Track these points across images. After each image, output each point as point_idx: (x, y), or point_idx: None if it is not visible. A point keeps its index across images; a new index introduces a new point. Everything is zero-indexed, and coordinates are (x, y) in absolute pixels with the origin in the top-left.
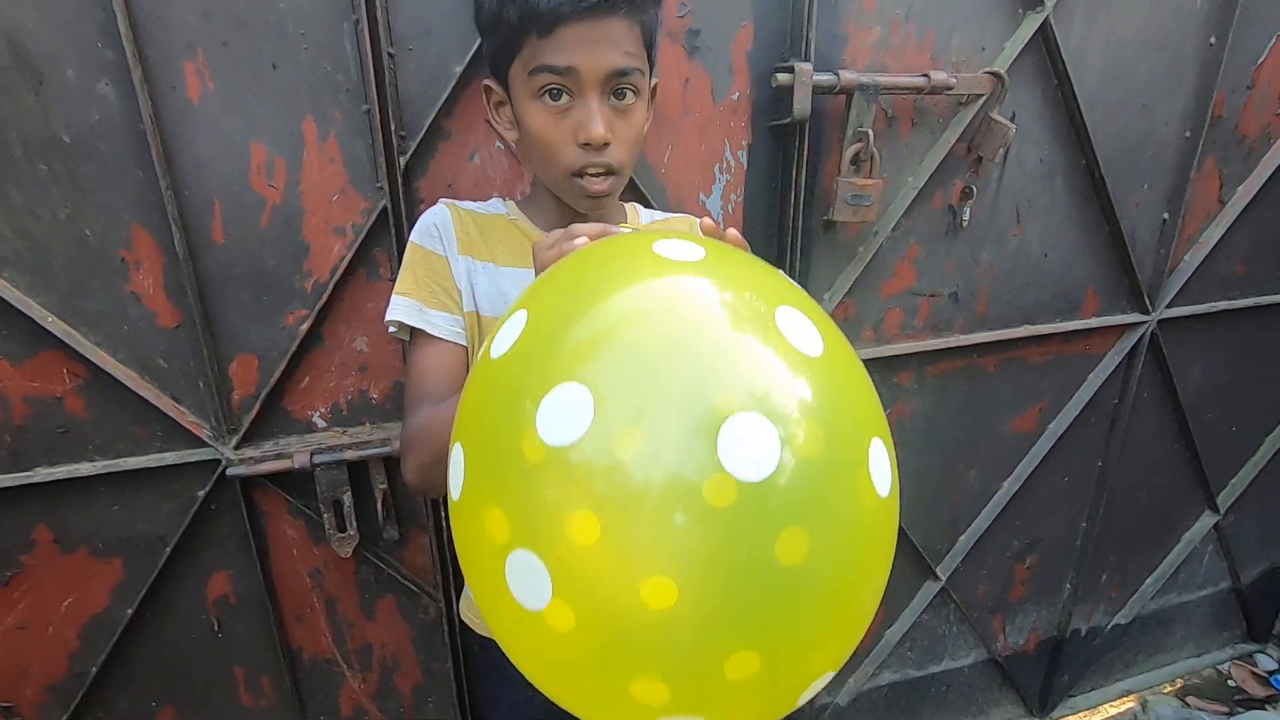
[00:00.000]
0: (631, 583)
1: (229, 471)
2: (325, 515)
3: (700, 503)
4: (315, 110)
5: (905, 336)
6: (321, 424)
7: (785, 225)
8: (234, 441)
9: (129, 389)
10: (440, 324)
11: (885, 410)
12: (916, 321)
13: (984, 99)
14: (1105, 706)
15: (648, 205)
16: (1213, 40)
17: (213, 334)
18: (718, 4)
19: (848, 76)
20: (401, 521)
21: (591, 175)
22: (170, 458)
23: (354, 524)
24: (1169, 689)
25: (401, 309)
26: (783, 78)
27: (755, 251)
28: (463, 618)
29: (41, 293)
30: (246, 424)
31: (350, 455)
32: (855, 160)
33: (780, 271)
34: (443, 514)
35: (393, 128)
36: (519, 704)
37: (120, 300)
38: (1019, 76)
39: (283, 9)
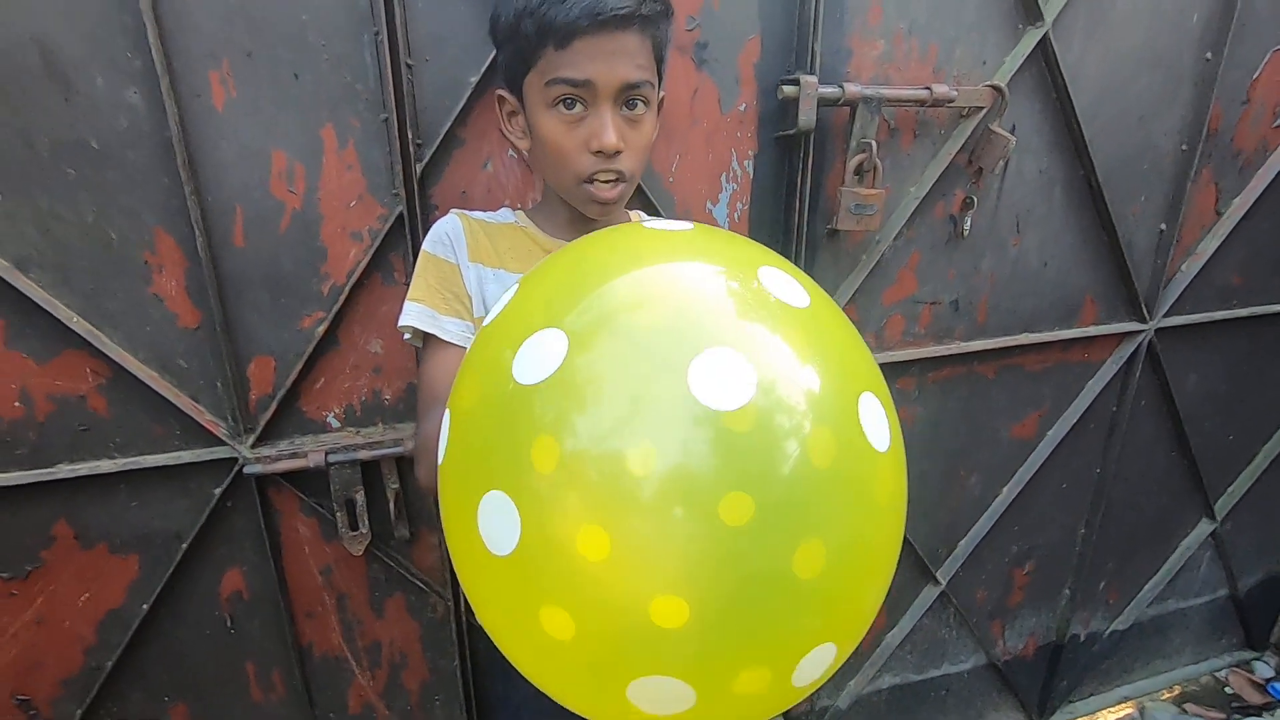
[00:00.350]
0: (574, 527)
1: (246, 470)
2: (338, 514)
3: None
4: (335, 118)
5: (907, 343)
6: (335, 424)
7: (790, 233)
8: (250, 440)
9: (150, 388)
10: (452, 329)
11: None
12: (918, 328)
13: (985, 111)
14: (1104, 712)
15: (656, 214)
16: (1209, 56)
17: (231, 335)
18: (726, 18)
19: (852, 89)
20: (412, 521)
21: (601, 182)
22: (188, 456)
23: (366, 522)
24: (1167, 696)
25: (414, 314)
26: (788, 90)
27: None
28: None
29: (66, 293)
30: (263, 423)
31: (363, 455)
32: (859, 170)
33: (768, 248)
34: None
35: (409, 136)
36: (525, 702)
37: (142, 301)
38: (1019, 90)
39: (305, 20)
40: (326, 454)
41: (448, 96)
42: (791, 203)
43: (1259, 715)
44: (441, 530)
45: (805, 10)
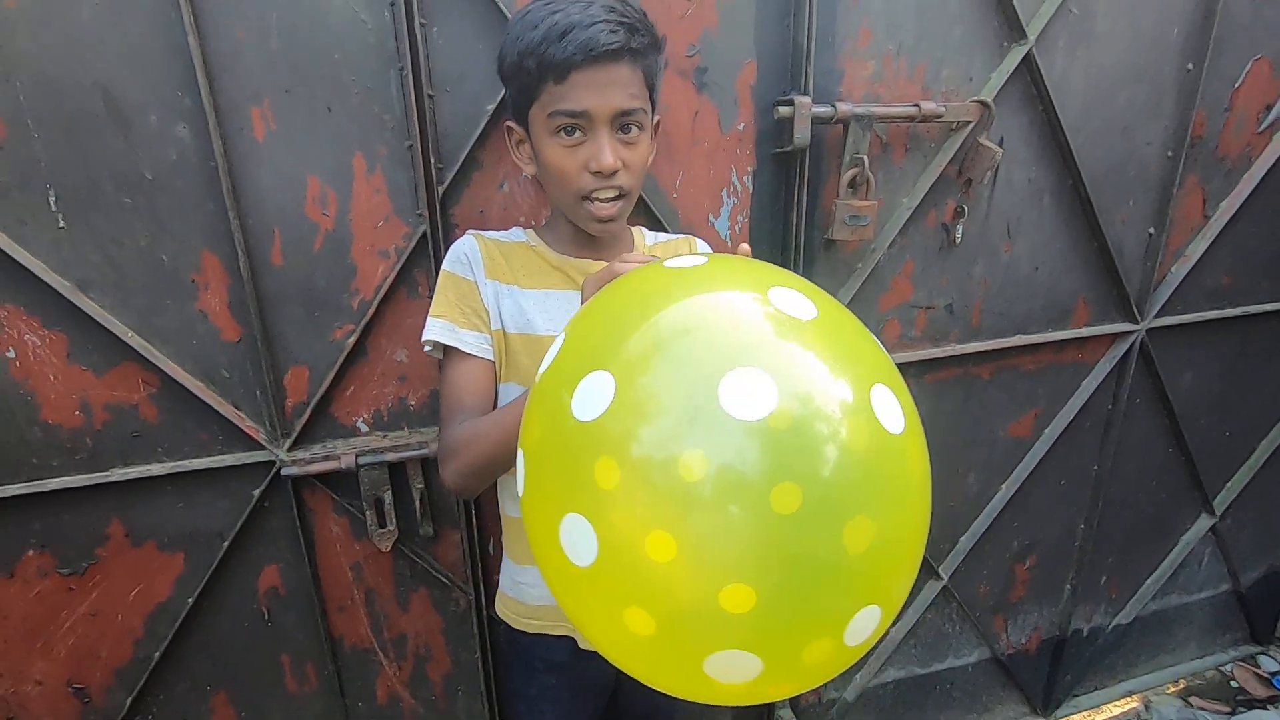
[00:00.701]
0: (641, 534)
1: (283, 472)
2: (367, 512)
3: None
4: (364, 147)
5: (904, 346)
6: (364, 429)
7: (788, 244)
8: (287, 445)
9: (196, 397)
10: (471, 342)
11: None
12: (914, 332)
13: (972, 125)
14: (1109, 706)
15: (661, 228)
16: (1190, 67)
17: (270, 347)
18: (724, 44)
19: (844, 108)
20: (436, 519)
21: (600, 200)
22: (230, 459)
23: (393, 520)
24: (1172, 689)
25: (436, 329)
26: (784, 110)
27: None
28: (498, 613)
29: (122, 311)
30: (298, 429)
31: (391, 457)
32: (852, 184)
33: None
34: (473, 513)
35: (431, 160)
36: (542, 693)
37: (190, 317)
38: (1005, 104)
39: (337, 60)
40: (357, 456)
41: (467, 123)
42: (789, 215)
43: (1264, 708)
44: (462, 528)
45: (799, 35)
